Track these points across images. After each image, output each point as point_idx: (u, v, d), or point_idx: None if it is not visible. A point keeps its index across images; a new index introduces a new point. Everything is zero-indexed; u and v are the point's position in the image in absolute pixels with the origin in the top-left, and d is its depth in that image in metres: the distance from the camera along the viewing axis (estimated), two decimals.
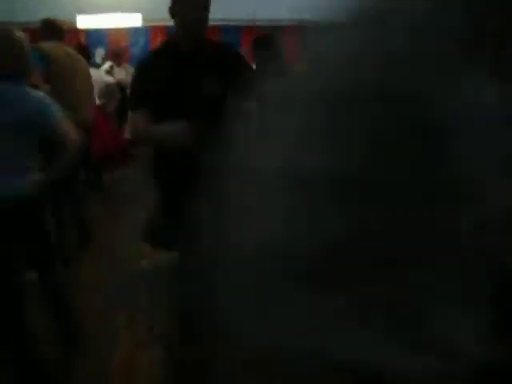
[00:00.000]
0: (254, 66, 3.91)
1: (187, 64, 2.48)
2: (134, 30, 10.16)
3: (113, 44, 9.90)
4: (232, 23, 9.81)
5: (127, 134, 7.10)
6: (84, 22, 9.45)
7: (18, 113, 2.56)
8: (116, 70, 8.25)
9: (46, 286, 2.97)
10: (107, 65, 8.07)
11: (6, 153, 2.59)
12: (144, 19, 9.26)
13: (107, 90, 6.31)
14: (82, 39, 10.06)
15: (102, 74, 6.99)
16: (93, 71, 6.46)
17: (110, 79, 7.07)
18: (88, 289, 3.72)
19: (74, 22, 9.45)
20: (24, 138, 2.62)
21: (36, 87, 2.98)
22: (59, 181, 2.92)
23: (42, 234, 2.85)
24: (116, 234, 4.77)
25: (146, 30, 10.22)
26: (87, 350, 3.17)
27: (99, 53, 9.14)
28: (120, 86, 8.42)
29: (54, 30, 4.30)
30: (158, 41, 10.17)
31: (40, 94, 2.74)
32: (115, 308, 3.68)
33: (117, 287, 3.93)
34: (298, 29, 2.93)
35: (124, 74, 9.15)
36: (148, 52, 2.72)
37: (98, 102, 6.11)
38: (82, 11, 9.37)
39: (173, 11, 2.48)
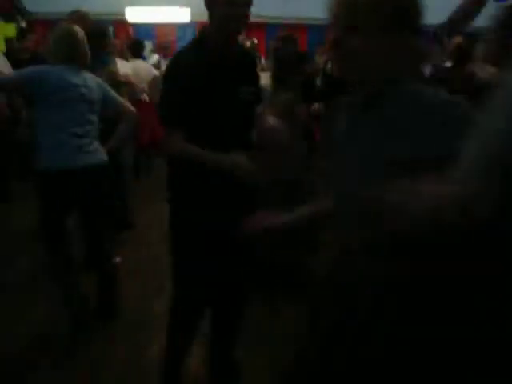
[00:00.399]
0: None
1: (218, 64, 2.33)
2: (182, 25, 10.25)
3: (160, 38, 10.04)
4: None
5: None
6: (133, 14, 9.58)
7: (92, 91, 3.08)
8: (163, 63, 8.41)
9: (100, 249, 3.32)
10: (155, 58, 8.24)
11: (91, 125, 3.08)
12: (193, 14, 9.35)
13: (154, 82, 6.48)
14: (130, 32, 10.24)
15: (150, 67, 7.18)
16: (142, 63, 6.70)
17: (155, 72, 7.24)
18: (125, 274, 3.77)
19: (124, 15, 9.61)
20: (96, 113, 3.13)
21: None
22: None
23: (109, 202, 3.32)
24: (157, 220, 4.87)
25: (194, 25, 10.33)
26: (125, 336, 3.25)
27: (147, 46, 9.31)
28: None
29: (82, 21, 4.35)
30: None
31: (93, 76, 3.18)
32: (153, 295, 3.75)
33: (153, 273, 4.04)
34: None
35: None
36: (175, 57, 2.54)
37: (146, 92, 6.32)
38: (132, 3, 9.51)
39: (208, 3, 2.25)
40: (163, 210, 2.74)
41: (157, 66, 7.92)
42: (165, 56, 8.84)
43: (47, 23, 9.55)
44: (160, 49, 8.97)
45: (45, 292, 3.42)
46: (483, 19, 2.50)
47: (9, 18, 9.40)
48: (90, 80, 3.10)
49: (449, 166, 1.08)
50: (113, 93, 3.24)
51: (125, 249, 4.32)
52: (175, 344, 2.71)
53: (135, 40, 7.20)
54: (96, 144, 3.09)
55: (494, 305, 1.21)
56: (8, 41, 6.29)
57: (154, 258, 4.21)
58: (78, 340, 3.14)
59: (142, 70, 6.32)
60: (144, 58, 7.48)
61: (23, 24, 9.19)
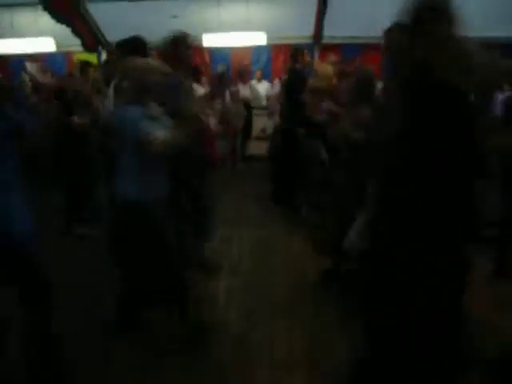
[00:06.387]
0: None
1: None
2: (257, 48, 10.23)
3: (236, 62, 10.05)
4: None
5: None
6: (210, 40, 9.60)
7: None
8: (241, 88, 8.38)
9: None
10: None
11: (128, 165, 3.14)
12: (268, 37, 9.32)
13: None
14: (207, 57, 10.32)
15: None
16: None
17: None
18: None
19: (201, 40, 9.69)
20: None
21: None
22: None
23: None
24: None
25: (269, 48, 10.35)
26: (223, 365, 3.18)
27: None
28: (245, 103, 8.57)
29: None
30: (281, 59, 10.21)
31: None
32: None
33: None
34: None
35: (249, 92, 9.31)
36: None
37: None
38: (210, 30, 9.56)
39: None
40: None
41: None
42: (242, 81, 8.78)
43: None
44: (237, 74, 8.95)
45: None
46: None
47: (91, 50, 9.82)
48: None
49: None
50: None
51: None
52: None
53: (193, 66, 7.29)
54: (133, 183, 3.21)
55: None
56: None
57: None
58: None
59: None
60: None
61: (104, 54, 9.54)
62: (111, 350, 3.30)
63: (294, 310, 3.82)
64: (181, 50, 4.01)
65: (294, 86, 6.00)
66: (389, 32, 3.12)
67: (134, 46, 3.77)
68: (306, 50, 6.76)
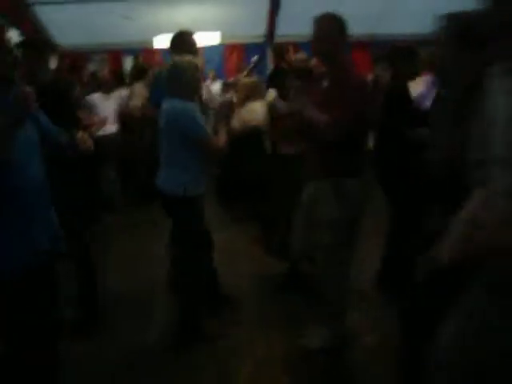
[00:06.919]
0: None
1: None
2: (209, 48, 10.18)
3: None
4: None
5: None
6: (162, 41, 9.46)
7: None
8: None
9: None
10: None
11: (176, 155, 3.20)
12: (222, 36, 9.26)
13: None
14: (159, 58, 10.19)
15: None
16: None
17: None
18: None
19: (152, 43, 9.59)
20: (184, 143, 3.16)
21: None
22: None
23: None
24: None
25: (221, 48, 10.41)
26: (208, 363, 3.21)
27: None
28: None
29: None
30: (233, 59, 10.19)
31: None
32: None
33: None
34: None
35: (203, 93, 9.21)
36: None
37: None
38: (162, 31, 9.47)
39: None
40: None
41: None
42: None
43: (75, 55, 9.73)
44: None
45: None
46: None
47: None
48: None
49: None
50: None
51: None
52: None
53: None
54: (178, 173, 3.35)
55: None
56: None
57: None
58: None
59: None
60: None
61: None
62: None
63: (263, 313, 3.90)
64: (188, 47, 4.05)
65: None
66: (318, 22, 3.02)
67: (35, 45, 3.65)
68: (290, 46, 6.64)
